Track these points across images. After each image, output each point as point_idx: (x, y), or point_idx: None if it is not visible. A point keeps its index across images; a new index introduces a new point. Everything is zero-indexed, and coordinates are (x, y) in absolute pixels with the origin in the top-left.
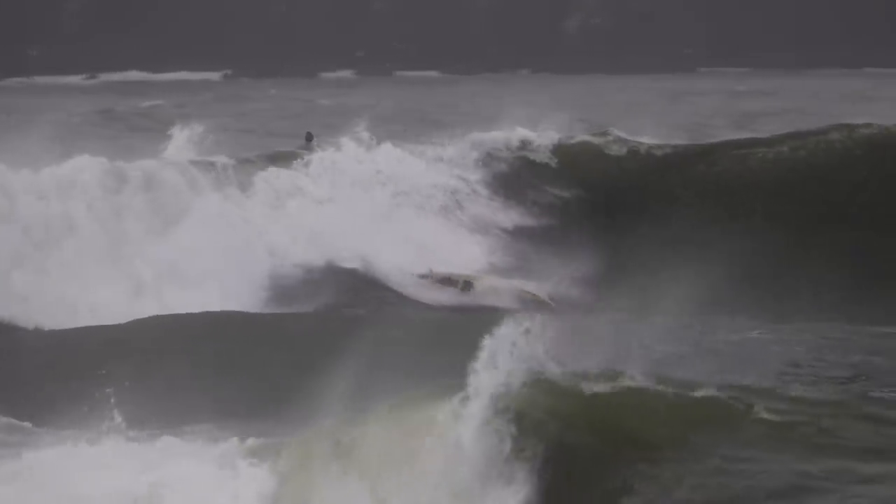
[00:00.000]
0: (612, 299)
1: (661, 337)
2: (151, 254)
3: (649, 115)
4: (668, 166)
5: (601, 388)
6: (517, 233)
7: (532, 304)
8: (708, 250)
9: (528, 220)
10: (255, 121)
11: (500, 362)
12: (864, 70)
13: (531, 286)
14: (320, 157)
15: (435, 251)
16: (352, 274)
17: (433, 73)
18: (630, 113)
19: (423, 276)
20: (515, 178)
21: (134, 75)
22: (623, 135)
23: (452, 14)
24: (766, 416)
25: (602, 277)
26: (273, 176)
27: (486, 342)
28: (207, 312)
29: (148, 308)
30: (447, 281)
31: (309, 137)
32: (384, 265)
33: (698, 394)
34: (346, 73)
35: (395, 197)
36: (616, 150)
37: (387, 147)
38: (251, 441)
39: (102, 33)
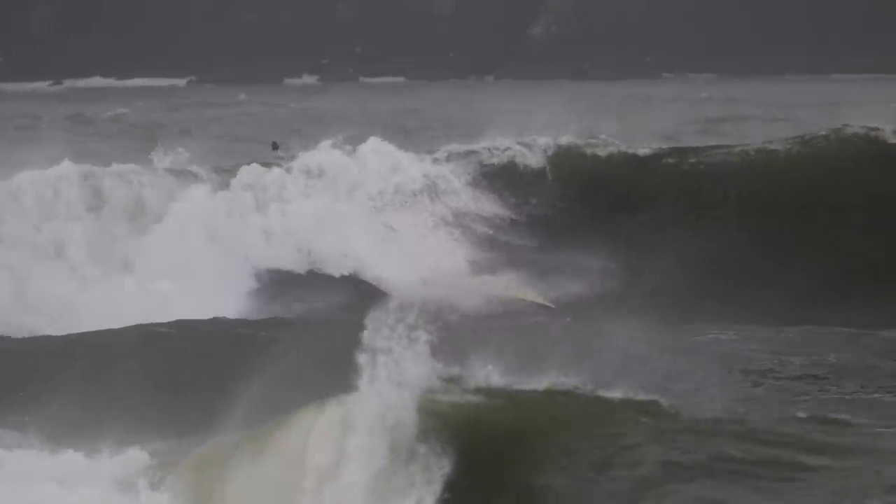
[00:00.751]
0: (604, 299)
1: (620, 337)
2: (133, 260)
3: (623, 121)
4: (659, 168)
5: (500, 385)
6: (511, 234)
7: (531, 306)
8: (693, 251)
9: (520, 221)
10: (228, 126)
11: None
12: (831, 76)
13: (514, 285)
14: (302, 161)
15: (421, 252)
16: (334, 278)
17: (399, 79)
18: (606, 118)
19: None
20: (504, 179)
21: (99, 81)
22: (611, 138)
23: (418, 20)
24: (701, 412)
25: (597, 277)
26: (254, 181)
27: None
28: (179, 321)
29: (132, 314)
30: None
31: (275, 146)
32: (369, 266)
33: (629, 394)
34: (311, 80)
35: (379, 197)
36: (606, 152)
37: (371, 144)
38: (147, 459)
39: (67, 39)
